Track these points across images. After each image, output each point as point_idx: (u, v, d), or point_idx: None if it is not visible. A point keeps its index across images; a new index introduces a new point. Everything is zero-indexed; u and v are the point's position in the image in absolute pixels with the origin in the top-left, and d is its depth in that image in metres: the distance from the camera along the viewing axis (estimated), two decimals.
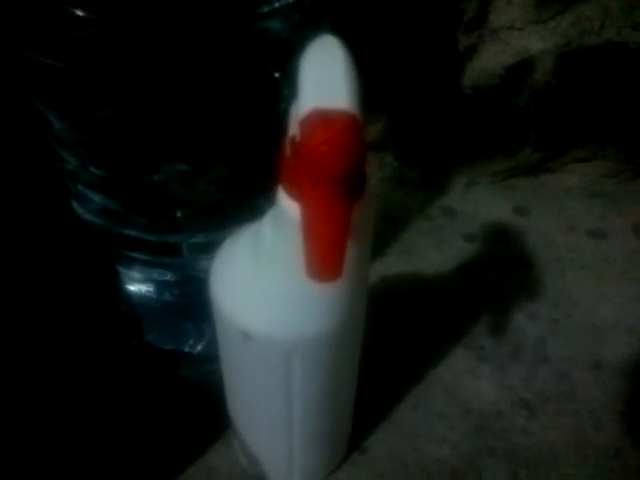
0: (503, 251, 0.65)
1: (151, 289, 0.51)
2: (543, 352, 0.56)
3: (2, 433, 0.44)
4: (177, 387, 0.52)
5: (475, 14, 0.57)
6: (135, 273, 0.50)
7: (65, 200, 0.47)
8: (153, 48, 0.34)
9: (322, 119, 0.23)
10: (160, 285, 0.50)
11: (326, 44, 0.27)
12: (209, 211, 0.44)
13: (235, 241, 0.36)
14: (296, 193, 0.28)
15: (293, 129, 0.27)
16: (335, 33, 0.28)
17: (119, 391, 0.51)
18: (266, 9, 0.36)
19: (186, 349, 0.53)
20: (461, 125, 0.65)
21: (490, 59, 0.59)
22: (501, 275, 0.62)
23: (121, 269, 0.50)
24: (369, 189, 0.29)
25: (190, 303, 0.49)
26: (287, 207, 0.29)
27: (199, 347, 0.53)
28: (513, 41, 0.58)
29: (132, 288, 0.51)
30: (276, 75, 0.39)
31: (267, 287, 0.33)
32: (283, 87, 0.39)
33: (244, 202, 0.43)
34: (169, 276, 0.49)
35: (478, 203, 0.69)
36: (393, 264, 0.62)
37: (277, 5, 0.36)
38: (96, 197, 0.44)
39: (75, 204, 0.47)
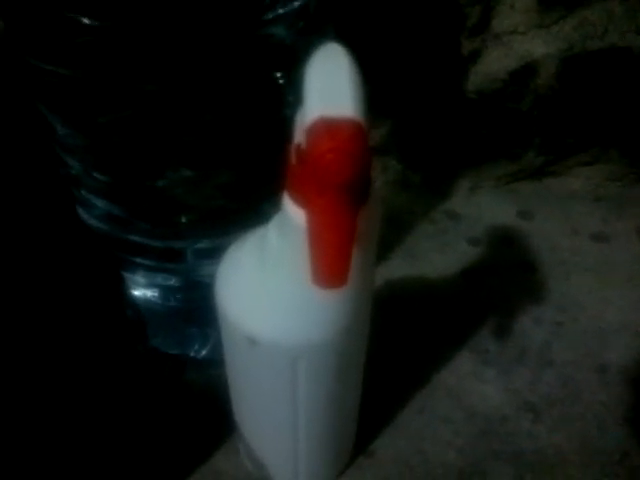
0: (507, 255, 0.65)
1: (156, 294, 0.51)
2: (548, 355, 0.56)
3: (7, 433, 0.44)
4: (183, 391, 0.52)
5: (478, 19, 0.57)
6: (140, 278, 0.50)
7: (70, 206, 0.47)
8: (158, 54, 0.35)
9: (328, 127, 0.23)
10: (165, 290, 0.50)
11: (331, 52, 0.27)
12: (213, 217, 0.44)
13: (241, 247, 0.36)
14: (302, 200, 0.28)
15: (299, 137, 0.27)
16: (339, 39, 0.28)
17: (125, 395, 0.51)
18: (270, 16, 0.36)
19: (191, 354, 0.53)
20: (465, 129, 0.65)
21: (493, 64, 0.59)
22: (505, 279, 0.62)
23: (126, 274, 0.51)
24: (374, 195, 0.29)
25: (195, 308, 0.50)
26: (293, 214, 0.29)
27: (204, 352, 0.53)
28: (516, 46, 0.58)
29: (137, 293, 0.51)
30: (281, 81, 0.39)
31: (273, 293, 0.33)
32: (288, 93, 0.39)
33: (249, 208, 0.43)
34: (173, 281, 0.49)
35: (482, 207, 0.69)
36: (397, 268, 0.62)
37: (281, 12, 0.36)
38: (100, 203, 0.44)
39: (80, 209, 0.47)
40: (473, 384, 0.54)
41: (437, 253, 0.64)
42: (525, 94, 0.61)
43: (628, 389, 0.54)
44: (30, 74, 0.39)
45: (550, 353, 0.56)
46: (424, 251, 0.65)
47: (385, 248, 0.64)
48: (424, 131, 0.66)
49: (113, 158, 0.41)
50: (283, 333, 0.34)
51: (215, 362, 0.47)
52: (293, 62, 0.36)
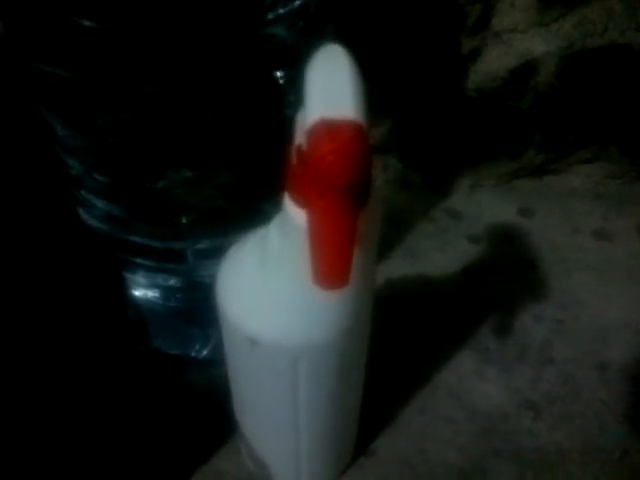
0: (508, 253, 0.65)
1: (157, 294, 0.51)
2: (549, 353, 0.56)
3: (9, 434, 0.44)
4: (184, 392, 0.52)
5: (478, 17, 0.57)
6: (140, 278, 0.50)
7: (71, 206, 0.47)
8: (158, 55, 0.35)
9: (328, 129, 0.23)
10: (166, 290, 0.50)
11: (332, 53, 0.27)
12: (214, 217, 0.44)
13: (241, 247, 0.36)
14: (302, 201, 0.28)
15: (299, 138, 0.27)
16: (339, 38, 0.28)
17: (126, 396, 0.51)
18: (271, 16, 0.36)
19: (192, 354, 0.53)
20: (465, 127, 0.65)
21: (493, 62, 0.59)
22: (506, 277, 0.62)
23: (126, 274, 0.51)
24: (375, 196, 0.29)
25: (196, 308, 0.50)
26: (293, 214, 0.29)
27: (205, 352, 0.53)
28: (516, 44, 0.58)
29: (138, 293, 0.51)
30: (281, 81, 0.39)
31: (274, 293, 0.33)
32: (288, 93, 0.39)
33: (249, 208, 0.43)
34: (174, 281, 0.49)
35: (482, 205, 0.69)
36: (397, 267, 0.62)
37: (282, 12, 0.36)
38: (100, 203, 0.44)
39: (79, 210, 0.47)
40: (474, 383, 0.54)
41: (437, 251, 0.64)
42: (525, 92, 0.61)
43: (628, 387, 0.54)
44: (30, 76, 0.39)
45: (551, 351, 0.57)
46: (424, 249, 0.65)
47: (385, 247, 0.64)
48: (424, 130, 0.66)
49: (113, 159, 0.41)
50: (284, 333, 0.34)
51: (216, 362, 0.47)
52: (294, 62, 0.36)
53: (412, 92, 0.62)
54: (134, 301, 0.52)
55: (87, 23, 0.32)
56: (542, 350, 0.57)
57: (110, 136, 0.39)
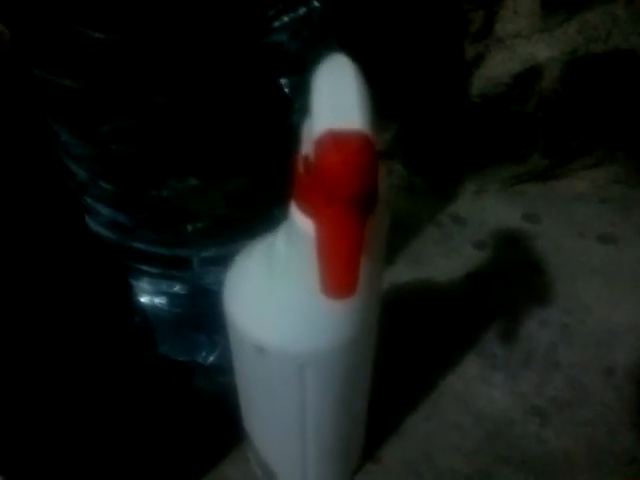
0: (513, 258, 0.65)
1: (163, 301, 0.51)
2: (555, 358, 0.56)
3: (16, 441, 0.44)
4: (191, 399, 0.52)
5: (482, 24, 0.57)
6: (146, 285, 0.50)
7: (78, 213, 0.47)
8: (164, 63, 0.35)
9: (336, 140, 0.23)
10: (172, 297, 0.51)
11: (337, 63, 0.27)
12: (219, 225, 0.44)
13: (248, 254, 0.36)
14: (310, 210, 0.28)
15: (306, 148, 0.27)
16: (343, 44, 0.28)
17: (134, 403, 0.51)
18: (276, 24, 0.36)
19: (199, 360, 0.53)
20: (469, 133, 0.65)
21: (497, 67, 0.59)
22: (511, 282, 0.62)
23: (133, 281, 0.51)
24: (382, 204, 0.29)
25: (202, 315, 0.50)
26: (301, 223, 0.29)
27: (212, 358, 0.53)
28: (520, 49, 0.58)
29: (144, 300, 0.52)
30: (286, 89, 0.39)
31: (281, 301, 0.33)
32: (294, 101, 0.39)
33: (255, 216, 0.43)
34: (180, 288, 0.49)
35: (487, 210, 0.69)
36: (403, 272, 0.63)
37: (287, 19, 0.37)
38: (105, 210, 0.45)
39: (86, 217, 0.47)
40: (480, 388, 0.54)
41: (442, 257, 0.64)
42: (529, 97, 0.61)
43: (635, 391, 0.54)
44: (37, 84, 0.39)
45: (557, 356, 0.56)
46: (430, 255, 0.65)
47: (391, 252, 0.64)
48: (429, 135, 0.66)
49: (119, 167, 0.41)
50: (291, 341, 0.34)
51: (223, 369, 0.47)
52: (299, 70, 0.36)
53: (417, 98, 0.62)
54: (141, 308, 0.52)
55: (95, 34, 0.33)
56: (548, 355, 0.56)
57: (116, 144, 0.39)
